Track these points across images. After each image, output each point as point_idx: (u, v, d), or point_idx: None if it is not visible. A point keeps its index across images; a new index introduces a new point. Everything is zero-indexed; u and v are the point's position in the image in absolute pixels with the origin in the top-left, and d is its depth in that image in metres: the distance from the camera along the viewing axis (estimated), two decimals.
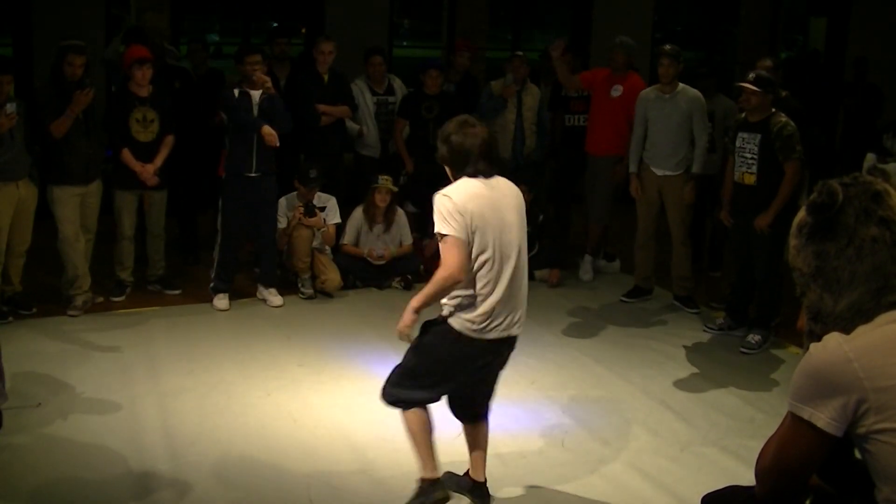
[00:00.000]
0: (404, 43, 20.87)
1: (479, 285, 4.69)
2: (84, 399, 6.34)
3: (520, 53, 10.48)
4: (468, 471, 5.25)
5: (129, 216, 8.44)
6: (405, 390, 4.97)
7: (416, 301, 4.78)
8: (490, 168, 4.89)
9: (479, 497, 5.18)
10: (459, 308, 4.76)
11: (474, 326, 4.73)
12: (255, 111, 8.26)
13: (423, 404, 4.97)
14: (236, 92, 8.29)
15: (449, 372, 4.88)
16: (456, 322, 4.76)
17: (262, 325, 8.02)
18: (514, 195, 4.94)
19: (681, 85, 8.68)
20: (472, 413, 5.18)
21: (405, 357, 5.01)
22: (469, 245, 4.63)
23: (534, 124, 10.17)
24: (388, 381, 5.05)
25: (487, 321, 4.72)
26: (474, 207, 4.65)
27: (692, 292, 8.92)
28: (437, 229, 4.72)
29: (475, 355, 4.83)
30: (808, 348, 2.88)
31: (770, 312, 7.89)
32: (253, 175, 8.32)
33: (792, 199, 7.42)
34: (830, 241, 2.85)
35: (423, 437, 4.98)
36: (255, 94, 8.28)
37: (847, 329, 2.77)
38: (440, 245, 4.70)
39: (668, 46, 8.76)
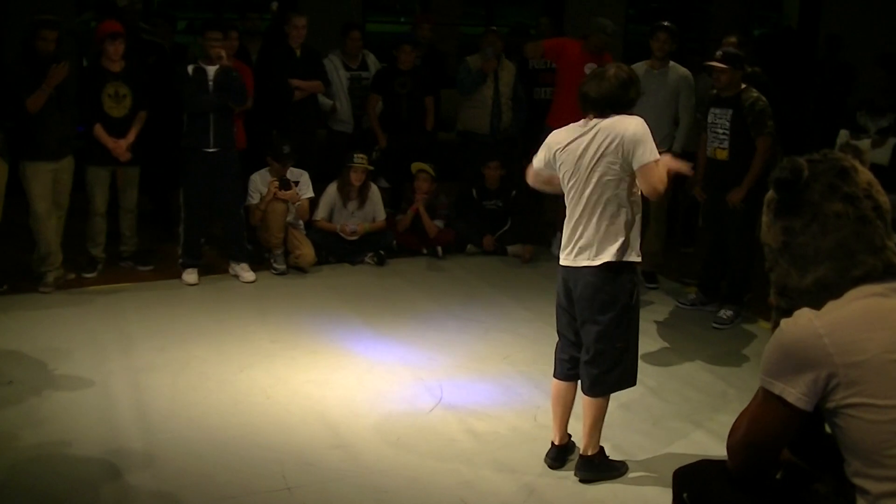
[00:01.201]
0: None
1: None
2: (56, 376, 6.31)
3: (494, 28, 10.47)
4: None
5: (101, 192, 8.39)
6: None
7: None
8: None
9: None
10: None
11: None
12: (211, 87, 8.23)
13: None
14: (190, 68, 8.25)
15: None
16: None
17: (236, 301, 8.01)
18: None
19: (671, 62, 8.69)
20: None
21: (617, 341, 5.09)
22: None
23: (510, 99, 10.14)
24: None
25: None
26: None
27: (658, 269, 8.95)
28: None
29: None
30: (775, 322, 2.91)
31: (742, 288, 7.93)
32: (211, 150, 8.29)
33: (764, 174, 7.44)
34: (796, 217, 2.88)
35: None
36: (211, 70, 8.24)
37: (813, 304, 2.80)
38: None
39: (667, 22, 8.76)
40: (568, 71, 9.36)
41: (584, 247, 4.99)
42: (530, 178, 5.32)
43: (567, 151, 4.97)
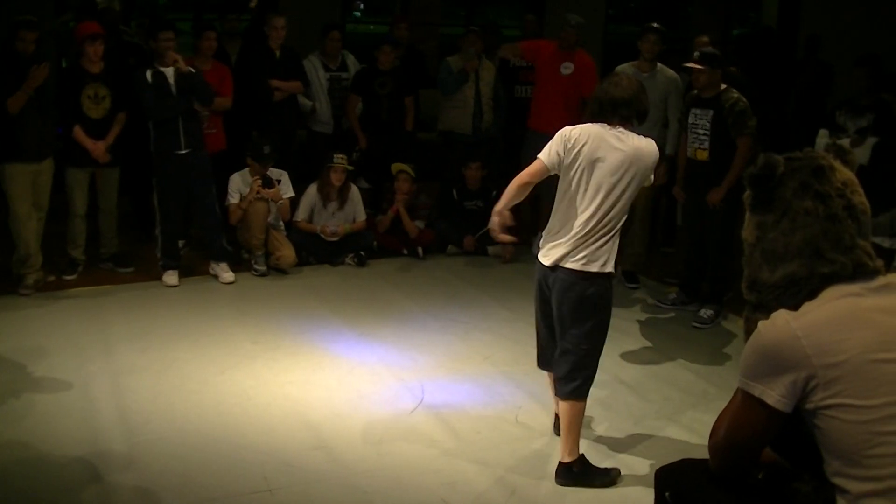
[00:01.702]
0: (357, 13, 20.82)
1: None
2: (36, 378, 6.29)
3: (475, 28, 10.49)
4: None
5: (81, 194, 8.35)
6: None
7: None
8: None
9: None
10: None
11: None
12: (173, 89, 8.19)
13: None
14: (149, 73, 8.17)
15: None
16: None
17: (216, 303, 8.00)
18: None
19: (659, 64, 8.67)
20: None
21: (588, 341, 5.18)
22: None
23: (491, 99, 10.17)
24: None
25: None
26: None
27: (639, 269, 8.97)
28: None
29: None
30: (747, 318, 2.94)
31: (722, 287, 7.96)
32: (183, 152, 8.26)
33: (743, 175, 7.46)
34: (769, 213, 2.91)
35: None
36: (169, 72, 8.19)
37: (781, 299, 2.82)
38: None
39: (656, 24, 8.74)
40: (544, 71, 9.39)
41: (577, 249, 5.00)
42: (533, 177, 5.15)
43: (593, 157, 4.94)
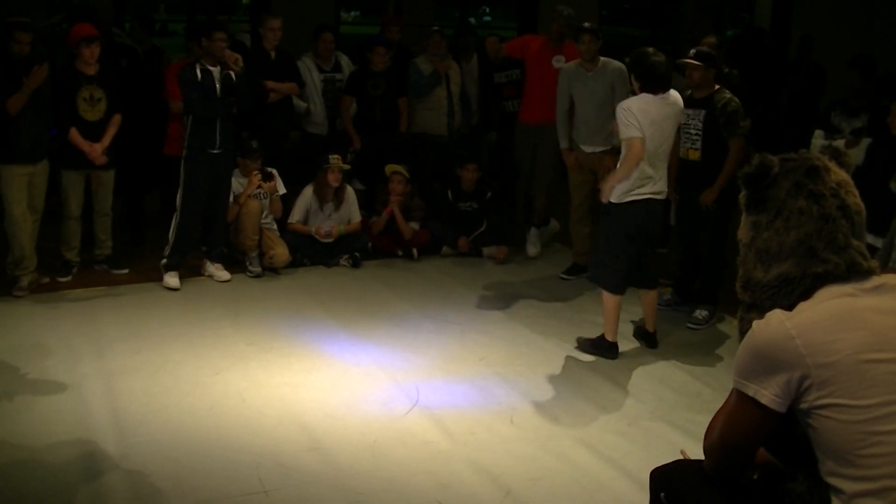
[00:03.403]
0: (351, 14, 20.81)
1: None
2: (30, 380, 6.28)
3: (437, 28, 10.52)
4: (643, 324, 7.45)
5: (76, 196, 8.34)
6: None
7: None
8: None
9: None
10: None
11: None
12: (219, 89, 8.23)
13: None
14: (198, 70, 8.22)
15: None
16: None
17: (210, 304, 7.99)
18: None
19: (602, 59, 8.64)
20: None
21: None
22: None
23: (460, 98, 10.27)
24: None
25: None
26: None
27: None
28: None
29: None
30: (741, 318, 2.94)
31: (716, 288, 7.96)
32: (216, 151, 8.29)
33: (737, 175, 7.46)
34: (763, 213, 2.93)
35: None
36: (216, 71, 8.24)
37: (774, 299, 2.83)
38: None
39: (587, 24, 8.74)
40: (535, 66, 9.42)
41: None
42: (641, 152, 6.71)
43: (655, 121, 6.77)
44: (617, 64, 8.64)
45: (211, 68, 8.25)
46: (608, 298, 7.05)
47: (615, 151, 8.64)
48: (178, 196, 8.43)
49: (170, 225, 8.49)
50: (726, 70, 8.11)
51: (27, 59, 7.68)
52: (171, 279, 8.34)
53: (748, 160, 3.04)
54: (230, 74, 8.28)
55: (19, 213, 7.83)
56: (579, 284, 8.76)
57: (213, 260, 8.62)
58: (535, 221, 9.78)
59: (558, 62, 9.22)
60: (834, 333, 2.68)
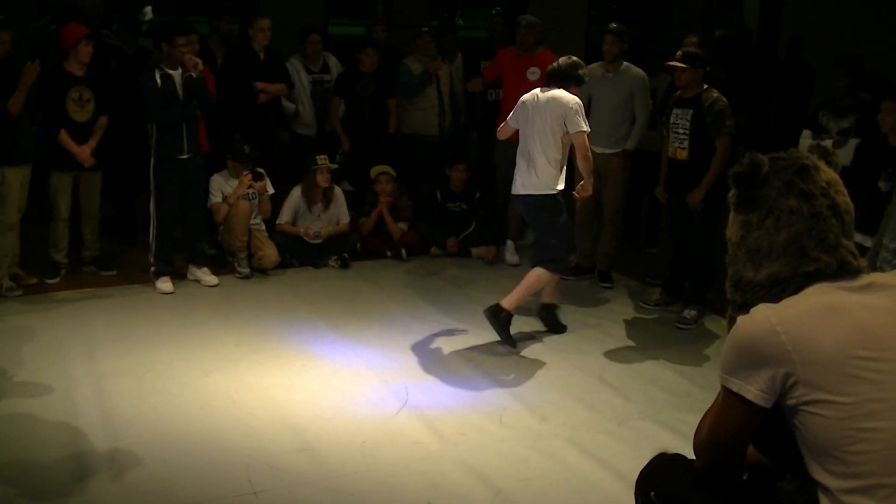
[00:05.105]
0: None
1: None
2: (18, 383, 6.26)
3: (426, 29, 10.52)
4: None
5: (65, 198, 8.31)
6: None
7: None
8: None
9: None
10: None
11: None
12: (181, 94, 8.18)
13: None
14: (158, 76, 8.13)
15: None
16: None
17: (199, 306, 7.97)
18: None
19: (625, 63, 8.71)
20: None
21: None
22: None
23: (450, 98, 10.26)
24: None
25: None
26: None
27: (613, 268, 9.01)
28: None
29: None
30: (731, 318, 2.95)
31: (705, 288, 7.97)
32: (184, 157, 8.24)
33: (724, 174, 7.46)
34: (753, 212, 2.93)
35: None
36: (177, 75, 8.17)
37: (765, 298, 2.84)
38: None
39: (614, 25, 8.77)
40: (511, 78, 9.37)
41: None
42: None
43: None
44: (639, 71, 8.70)
45: (171, 72, 8.16)
46: (551, 278, 7.43)
47: (625, 154, 8.71)
48: (152, 205, 8.36)
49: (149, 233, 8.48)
50: (708, 69, 8.13)
51: (10, 58, 7.64)
52: (164, 284, 8.30)
53: (735, 160, 3.05)
54: (191, 76, 8.19)
55: (14, 217, 7.84)
56: (570, 285, 8.74)
57: (199, 265, 8.59)
58: (510, 235, 9.70)
59: (533, 75, 9.17)
60: (819, 329, 2.68)
